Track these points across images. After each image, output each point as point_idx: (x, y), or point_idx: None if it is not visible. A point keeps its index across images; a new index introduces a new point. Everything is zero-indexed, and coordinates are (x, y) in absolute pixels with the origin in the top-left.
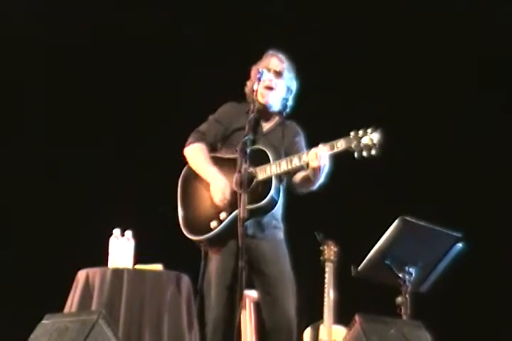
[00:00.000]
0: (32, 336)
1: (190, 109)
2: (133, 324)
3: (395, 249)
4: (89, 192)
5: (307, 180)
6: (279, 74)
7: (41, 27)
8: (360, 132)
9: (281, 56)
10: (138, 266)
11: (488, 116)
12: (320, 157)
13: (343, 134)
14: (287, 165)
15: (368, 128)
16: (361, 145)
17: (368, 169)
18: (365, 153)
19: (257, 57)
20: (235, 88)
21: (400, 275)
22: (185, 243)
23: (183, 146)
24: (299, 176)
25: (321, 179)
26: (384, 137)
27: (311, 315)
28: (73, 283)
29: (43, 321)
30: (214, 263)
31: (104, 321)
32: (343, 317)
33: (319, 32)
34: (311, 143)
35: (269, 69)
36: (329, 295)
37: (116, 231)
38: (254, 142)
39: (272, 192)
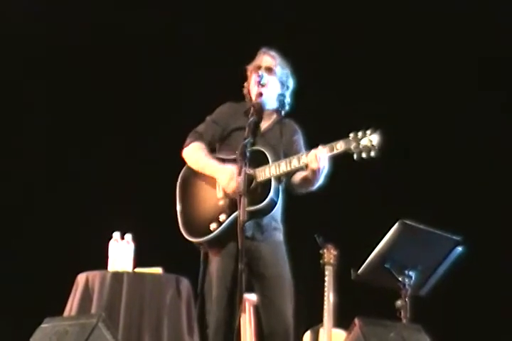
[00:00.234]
0: (31, 339)
1: (190, 109)
2: (132, 327)
3: (395, 252)
4: (89, 193)
5: (306, 181)
6: (270, 70)
7: (41, 27)
8: (360, 133)
9: (273, 53)
10: (138, 270)
11: (488, 116)
12: (319, 159)
13: (343, 134)
14: (286, 167)
15: (367, 129)
16: (360, 146)
17: (367, 170)
18: (364, 155)
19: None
20: (235, 88)
21: (400, 278)
22: (184, 246)
23: (182, 147)
24: (298, 176)
25: (320, 180)
26: (383, 138)
27: (311, 319)
28: (73, 287)
29: (43, 324)
30: (214, 265)
31: (104, 324)
32: (342, 321)
33: (319, 32)
34: (311, 143)
35: (260, 67)
36: (329, 298)
37: (116, 235)
38: (252, 142)
39: (272, 193)
